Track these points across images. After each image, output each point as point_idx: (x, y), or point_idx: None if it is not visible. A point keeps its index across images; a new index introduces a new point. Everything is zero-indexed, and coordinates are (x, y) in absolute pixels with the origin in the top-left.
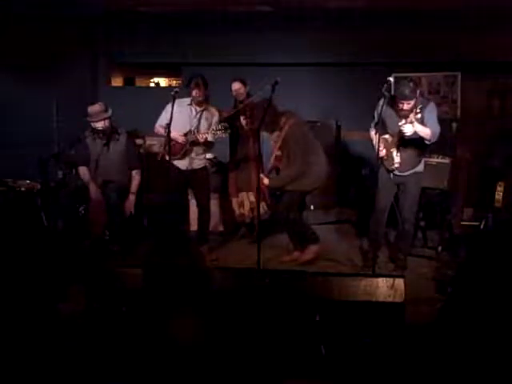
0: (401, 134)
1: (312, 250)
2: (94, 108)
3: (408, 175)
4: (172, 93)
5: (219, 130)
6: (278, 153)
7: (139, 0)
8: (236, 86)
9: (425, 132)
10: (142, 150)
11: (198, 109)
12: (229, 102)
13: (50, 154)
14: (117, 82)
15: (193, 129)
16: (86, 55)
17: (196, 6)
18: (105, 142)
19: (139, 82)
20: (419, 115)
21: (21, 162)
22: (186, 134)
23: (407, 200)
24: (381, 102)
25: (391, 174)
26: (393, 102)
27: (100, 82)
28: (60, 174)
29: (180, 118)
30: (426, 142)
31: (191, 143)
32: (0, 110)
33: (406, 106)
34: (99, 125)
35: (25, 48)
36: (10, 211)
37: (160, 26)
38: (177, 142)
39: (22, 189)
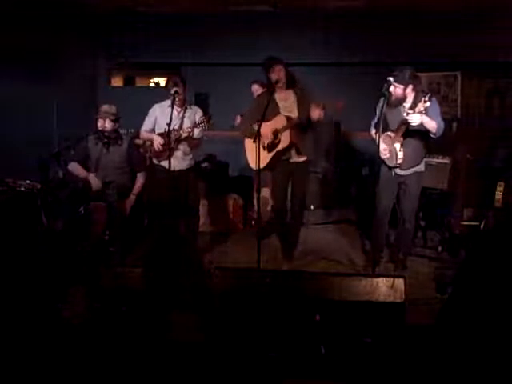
0: (406, 125)
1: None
2: (105, 107)
3: (409, 174)
4: (172, 92)
5: (201, 122)
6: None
7: (139, 0)
8: (254, 87)
9: (431, 125)
10: (141, 150)
11: (179, 109)
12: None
13: (49, 153)
14: (117, 81)
15: (176, 127)
16: (86, 55)
17: (196, 6)
18: (106, 141)
19: (139, 82)
20: (428, 103)
21: (21, 162)
22: (168, 134)
23: (408, 200)
24: (381, 100)
25: (393, 173)
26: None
27: (100, 82)
28: (60, 173)
29: (163, 120)
30: (432, 135)
31: (176, 141)
32: (0, 110)
33: (392, 88)
34: (104, 123)
35: (25, 48)
36: (10, 211)
37: (160, 26)
38: (160, 144)
39: (22, 189)
